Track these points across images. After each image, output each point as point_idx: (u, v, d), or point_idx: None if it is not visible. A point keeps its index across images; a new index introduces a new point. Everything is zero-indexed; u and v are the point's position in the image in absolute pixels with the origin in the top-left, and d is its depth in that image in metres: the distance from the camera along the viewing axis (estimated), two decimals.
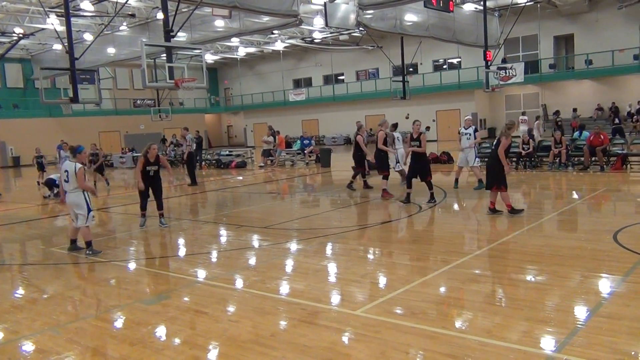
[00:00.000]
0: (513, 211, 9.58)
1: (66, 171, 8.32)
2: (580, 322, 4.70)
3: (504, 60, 32.58)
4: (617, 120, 27.40)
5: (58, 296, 6.53)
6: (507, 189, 9.70)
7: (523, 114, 27.58)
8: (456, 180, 13.92)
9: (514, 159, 17.33)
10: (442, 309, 5.28)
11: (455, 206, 11.82)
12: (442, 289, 5.92)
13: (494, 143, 9.53)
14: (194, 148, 19.90)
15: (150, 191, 10.32)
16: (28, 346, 4.95)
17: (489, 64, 24.81)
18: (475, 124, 24.20)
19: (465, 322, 4.90)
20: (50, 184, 16.57)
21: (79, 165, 8.24)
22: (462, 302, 5.48)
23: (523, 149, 17.01)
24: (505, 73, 27.52)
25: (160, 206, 10.47)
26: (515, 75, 28.21)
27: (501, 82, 27.31)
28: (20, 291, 7.02)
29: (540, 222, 9.31)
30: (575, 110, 30.50)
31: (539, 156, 17.30)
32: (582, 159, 16.05)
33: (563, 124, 25.46)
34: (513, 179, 15.50)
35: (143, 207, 10.45)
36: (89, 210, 8.29)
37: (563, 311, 5.00)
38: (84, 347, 4.79)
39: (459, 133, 14.00)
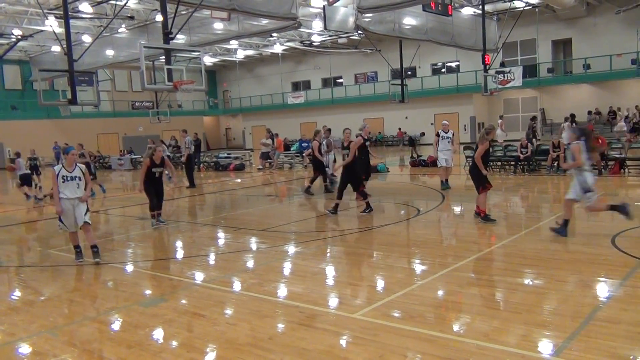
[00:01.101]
0: (486, 218, 9.39)
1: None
2: (579, 326, 4.70)
3: (502, 64, 32.63)
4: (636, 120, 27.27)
5: (55, 298, 6.52)
6: (486, 193, 9.51)
7: (501, 117, 27.67)
8: (444, 182, 14.02)
9: (512, 163, 17.37)
10: (440, 312, 5.28)
11: (453, 210, 11.81)
12: (440, 293, 5.92)
13: (474, 148, 9.38)
14: (192, 150, 19.92)
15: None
16: (25, 348, 4.93)
17: (487, 67, 24.86)
18: (473, 127, 24.34)
19: (463, 325, 4.90)
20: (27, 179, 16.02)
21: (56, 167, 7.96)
22: (460, 306, 5.48)
23: (521, 152, 17.03)
24: (504, 77, 27.56)
25: (159, 207, 10.84)
26: (514, 79, 28.26)
27: (499, 86, 27.34)
28: (17, 293, 7.00)
29: (538, 226, 9.31)
30: (573, 115, 30.43)
31: (537, 160, 17.32)
32: None
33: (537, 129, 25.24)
34: (511, 182, 15.54)
35: (152, 208, 10.73)
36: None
37: (561, 315, 5.00)
38: (81, 350, 4.77)
39: (437, 135, 14.22)
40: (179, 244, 9.66)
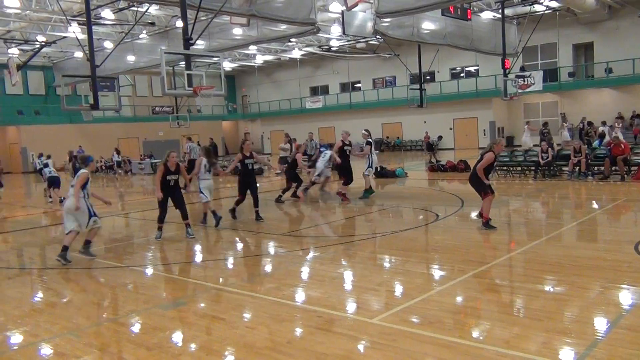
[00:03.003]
0: (487, 224, 9.32)
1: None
2: (601, 334, 4.64)
3: (522, 69, 32.37)
4: None
5: (77, 300, 6.61)
6: (491, 199, 9.37)
7: (527, 122, 27.10)
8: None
9: (533, 168, 17.18)
10: (460, 318, 5.24)
11: (472, 215, 11.72)
12: (459, 299, 5.88)
13: (479, 159, 9.39)
14: (196, 156, 20.32)
15: (171, 202, 9.95)
16: (47, 349, 5.01)
17: (507, 72, 24.68)
18: (492, 132, 24.12)
19: (482, 332, 4.86)
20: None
21: (82, 171, 8.36)
22: (480, 312, 5.44)
23: (542, 157, 16.84)
24: (524, 81, 27.37)
25: (185, 216, 9.98)
26: (534, 84, 28.05)
27: (519, 91, 27.14)
28: (40, 295, 7.12)
29: (559, 232, 9.20)
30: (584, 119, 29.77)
31: (558, 165, 17.12)
32: (602, 168, 15.84)
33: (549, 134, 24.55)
34: (532, 187, 15.38)
35: (160, 220, 9.98)
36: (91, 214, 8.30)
37: (583, 322, 4.93)
38: (102, 351, 4.83)
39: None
40: (197, 247, 9.73)
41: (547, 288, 6.11)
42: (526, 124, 26.16)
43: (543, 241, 8.49)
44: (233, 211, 11.71)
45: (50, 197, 16.89)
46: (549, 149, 17.17)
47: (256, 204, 11.47)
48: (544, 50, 35.28)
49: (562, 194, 14.37)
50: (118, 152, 32.13)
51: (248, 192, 11.45)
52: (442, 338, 4.65)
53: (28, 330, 5.55)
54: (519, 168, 18.02)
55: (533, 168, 17.18)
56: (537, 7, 28.41)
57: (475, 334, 4.83)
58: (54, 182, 16.72)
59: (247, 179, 11.42)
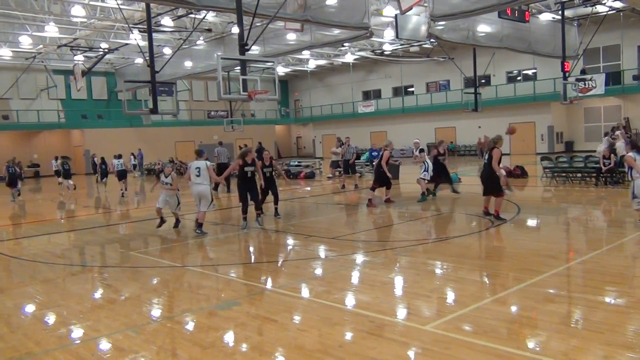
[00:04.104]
0: (498, 217, 10.63)
1: (198, 168, 10.66)
2: None
3: (583, 72, 31.24)
4: None
5: (135, 298, 6.84)
6: (502, 199, 10.80)
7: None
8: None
9: (594, 175, 16.52)
10: (515, 328, 5.10)
11: (528, 222, 11.39)
12: (515, 308, 5.72)
13: (487, 157, 10.84)
14: (226, 160, 21.88)
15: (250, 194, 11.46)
16: (107, 344, 5.21)
17: (567, 75, 23.88)
18: (551, 137, 23.31)
19: (539, 343, 4.71)
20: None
21: (209, 163, 10.88)
22: (537, 322, 5.27)
23: (604, 164, 16.16)
24: (585, 85, 26.44)
25: (259, 207, 11.60)
26: (595, 87, 27.04)
27: (580, 94, 26.20)
28: (101, 291, 7.41)
29: (621, 242, 8.81)
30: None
31: (620, 172, 16.39)
32: None
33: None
34: (593, 195, 14.80)
35: (244, 211, 11.36)
36: (212, 200, 10.92)
37: None
38: (159, 348, 4.99)
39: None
40: (250, 249, 9.88)
41: (608, 299, 5.87)
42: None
43: (604, 251, 8.16)
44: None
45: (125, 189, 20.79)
46: (612, 155, 16.45)
47: (262, 206, 12.14)
48: (607, 52, 33.89)
49: (625, 201, 13.72)
50: (172, 161, 33.97)
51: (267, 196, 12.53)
52: (497, 348, 4.54)
53: (90, 325, 5.78)
54: (579, 175, 17.38)
55: (594, 174, 16.52)
56: (600, 8, 27.37)
57: (531, 344, 4.69)
58: (123, 175, 20.93)
59: (268, 185, 12.28)
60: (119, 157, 22.18)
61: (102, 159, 24.78)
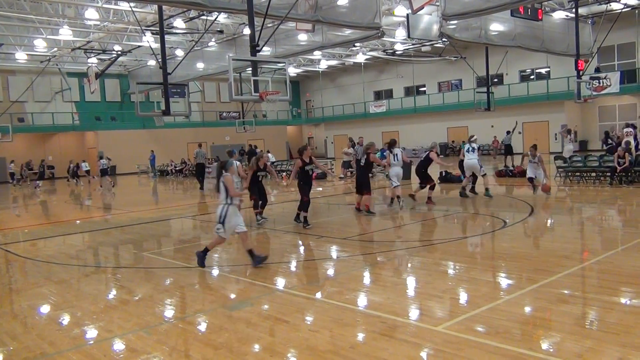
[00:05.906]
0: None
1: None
2: None
3: (597, 70, 30.90)
4: None
5: (148, 298, 6.88)
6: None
7: (569, 131, 24.77)
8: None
9: (608, 174, 16.34)
10: (529, 329, 5.06)
11: (542, 222, 11.29)
12: (529, 309, 5.67)
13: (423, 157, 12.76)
14: (202, 161, 22.71)
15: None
16: (121, 345, 5.25)
17: (580, 73, 23.63)
18: (570, 134, 22.96)
19: (553, 344, 4.67)
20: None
21: (238, 163, 10.75)
22: (550, 323, 5.22)
23: (618, 163, 15.98)
24: (599, 83, 26.11)
25: (264, 205, 12.34)
26: (610, 86, 26.69)
27: (594, 93, 25.91)
28: (114, 292, 7.46)
29: (637, 242, 8.69)
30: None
31: (636, 171, 16.20)
32: None
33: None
34: (607, 194, 14.64)
35: (256, 207, 12.16)
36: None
37: None
38: (171, 349, 5.01)
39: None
40: (263, 250, 9.88)
41: (623, 300, 5.80)
42: (568, 133, 23.44)
43: (619, 251, 8.06)
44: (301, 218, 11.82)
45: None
46: (626, 154, 16.28)
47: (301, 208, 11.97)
48: (622, 50, 33.53)
49: None
50: (184, 163, 35.76)
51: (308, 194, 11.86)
52: (510, 349, 4.50)
53: (103, 325, 5.83)
54: (593, 174, 17.20)
55: (609, 174, 16.34)
56: (614, 5, 27.08)
57: (545, 346, 4.64)
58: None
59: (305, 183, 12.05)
60: (101, 157, 24.78)
61: (78, 163, 27.69)
